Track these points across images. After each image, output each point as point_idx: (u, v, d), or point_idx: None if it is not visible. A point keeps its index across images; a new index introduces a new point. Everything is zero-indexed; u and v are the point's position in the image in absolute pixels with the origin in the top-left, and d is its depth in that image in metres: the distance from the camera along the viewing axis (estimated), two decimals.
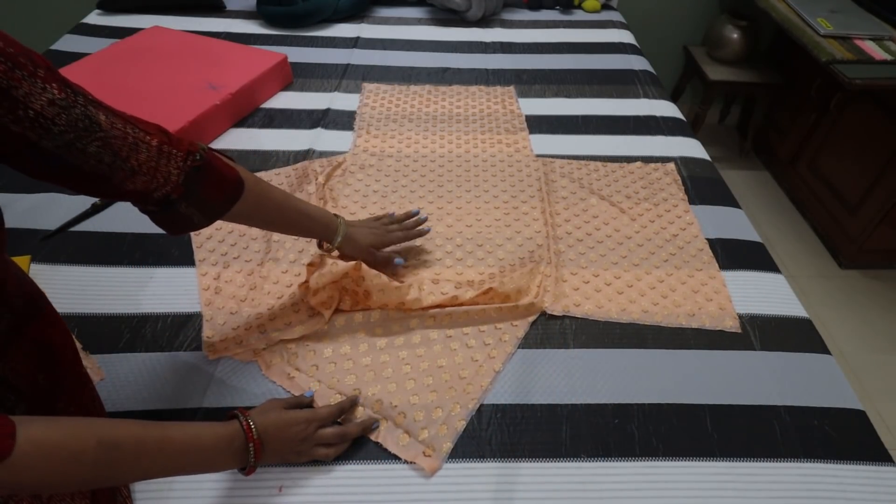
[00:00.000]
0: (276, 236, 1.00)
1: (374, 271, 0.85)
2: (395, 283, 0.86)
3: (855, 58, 1.64)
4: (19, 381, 0.56)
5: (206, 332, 0.84)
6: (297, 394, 0.77)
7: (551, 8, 2.01)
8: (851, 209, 1.90)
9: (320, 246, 0.90)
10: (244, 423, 0.61)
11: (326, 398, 0.76)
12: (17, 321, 0.57)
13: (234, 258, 0.96)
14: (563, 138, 1.32)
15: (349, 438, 0.70)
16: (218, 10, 1.83)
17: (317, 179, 1.12)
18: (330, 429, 0.69)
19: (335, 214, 0.86)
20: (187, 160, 0.61)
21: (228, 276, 0.93)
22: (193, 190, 0.63)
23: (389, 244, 0.93)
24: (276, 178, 1.14)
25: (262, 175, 1.14)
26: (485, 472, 0.70)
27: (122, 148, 0.56)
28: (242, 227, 1.02)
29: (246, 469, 0.62)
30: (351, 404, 0.74)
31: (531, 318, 0.88)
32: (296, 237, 1.00)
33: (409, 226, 0.96)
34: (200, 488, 0.67)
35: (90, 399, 0.67)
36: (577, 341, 0.86)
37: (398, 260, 0.92)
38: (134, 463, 0.51)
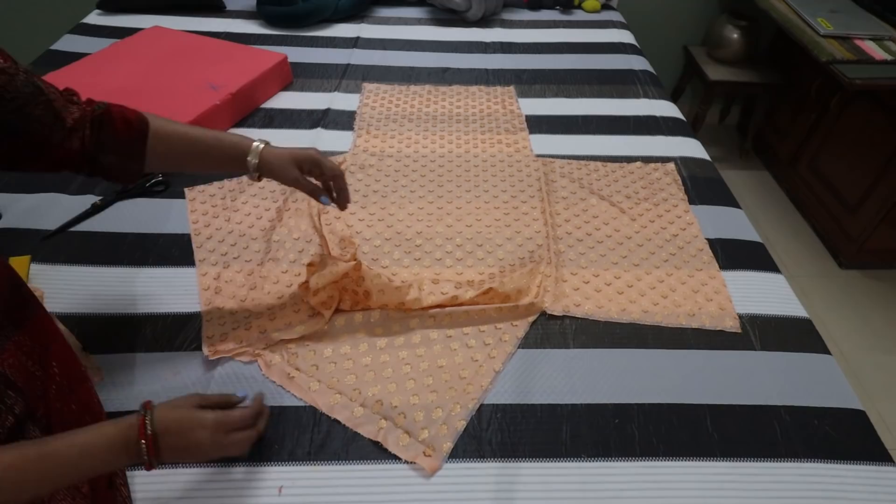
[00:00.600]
0: (275, 236, 1.00)
1: (374, 271, 0.85)
2: (396, 284, 0.86)
3: (855, 58, 1.64)
4: (17, 378, 0.56)
5: (206, 331, 0.84)
6: (297, 394, 0.77)
7: (551, 8, 2.01)
8: (851, 209, 1.90)
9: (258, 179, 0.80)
10: (139, 418, 0.57)
11: (327, 398, 0.76)
12: (14, 319, 0.58)
13: (234, 258, 0.96)
14: (563, 138, 1.32)
15: (254, 439, 0.66)
16: (218, 10, 1.83)
17: None
18: (239, 435, 0.63)
19: (261, 140, 0.77)
20: (92, 113, 0.66)
21: (228, 275, 0.93)
22: (102, 138, 0.66)
23: (313, 166, 0.80)
24: None
25: None
26: (485, 472, 0.70)
27: (60, 110, 0.61)
28: (243, 227, 1.02)
29: (145, 465, 0.57)
30: (259, 412, 0.68)
31: (531, 318, 0.88)
32: (295, 238, 1.00)
33: (334, 171, 0.81)
34: (200, 488, 0.67)
35: (88, 398, 0.67)
36: (578, 341, 0.86)
37: (324, 199, 0.81)
38: (19, 490, 0.49)
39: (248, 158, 0.75)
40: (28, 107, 0.56)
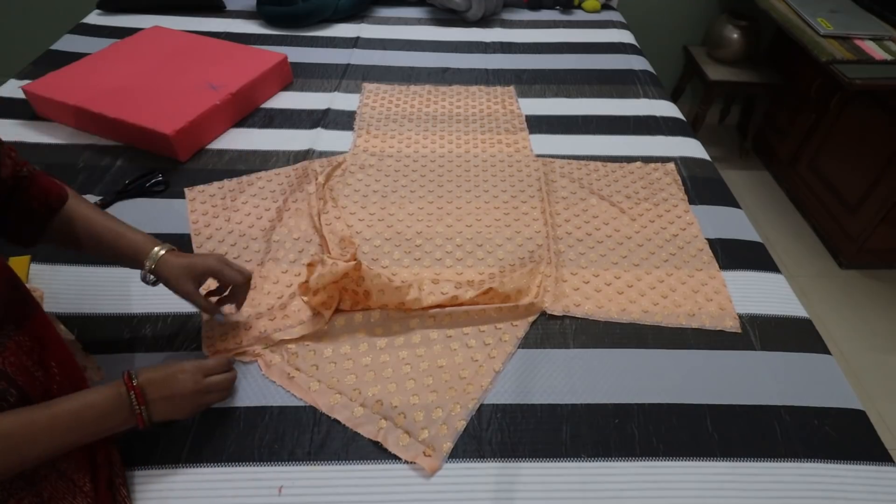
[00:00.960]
0: (275, 236, 1.00)
1: (374, 271, 0.85)
2: (396, 284, 0.86)
3: (855, 58, 1.64)
4: (19, 376, 0.57)
5: (206, 331, 0.84)
6: (297, 394, 0.77)
7: (551, 8, 2.01)
8: (851, 209, 1.90)
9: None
10: (124, 375, 0.63)
11: (327, 398, 0.76)
12: (14, 318, 0.58)
13: (234, 258, 0.96)
14: (563, 138, 1.32)
15: (233, 381, 0.74)
16: (218, 10, 1.83)
17: (317, 179, 1.12)
18: (218, 377, 0.71)
19: (166, 246, 0.75)
20: (20, 171, 0.67)
21: None
22: (14, 198, 0.67)
23: (214, 277, 0.78)
24: (277, 177, 1.14)
25: (262, 175, 1.14)
26: (485, 472, 0.70)
27: None
28: (243, 227, 1.02)
29: (137, 420, 0.62)
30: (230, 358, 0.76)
31: (531, 318, 0.88)
32: (295, 238, 1.00)
33: (237, 277, 0.79)
34: (200, 488, 0.67)
35: None
36: (578, 341, 0.86)
37: (218, 316, 0.81)
38: (31, 446, 0.54)
39: (146, 263, 0.73)
40: None
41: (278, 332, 0.83)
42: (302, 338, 0.83)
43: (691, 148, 1.31)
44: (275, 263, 0.96)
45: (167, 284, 0.75)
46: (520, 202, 1.12)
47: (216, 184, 1.11)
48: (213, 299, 0.80)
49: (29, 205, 0.69)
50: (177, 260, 0.74)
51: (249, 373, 0.79)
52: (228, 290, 0.80)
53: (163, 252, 0.74)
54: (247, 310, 0.87)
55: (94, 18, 1.75)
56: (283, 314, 0.87)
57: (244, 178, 1.13)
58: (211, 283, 0.80)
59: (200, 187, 1.10)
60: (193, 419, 0.73)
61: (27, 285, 0.67)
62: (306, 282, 0.84)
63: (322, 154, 1.22)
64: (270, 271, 0.94)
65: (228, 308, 0.82)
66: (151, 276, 0.74)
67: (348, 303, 0.87)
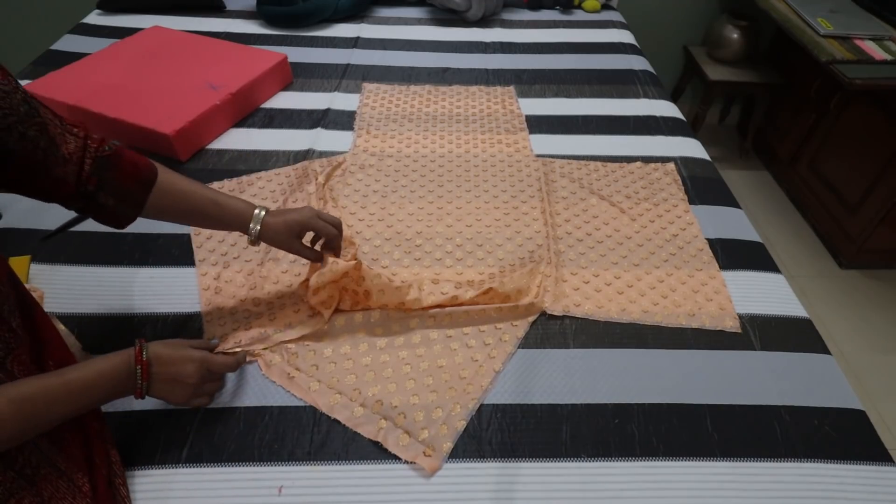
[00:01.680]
0: None
1: (374, 271, 0.85)
2: (396, 284, 0.86)
3: (855, 58, 1.64)
4: (14, 366, 0.57)
5: (207, 332, 0.84)
6: (297, 394, 0.77)
7: (551, 8, 2.01)
8: (851, 209, 1.90)
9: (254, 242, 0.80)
10: (137, 346, 0.64)
11: (327, 398, 0.76)
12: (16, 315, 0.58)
13: (234, 258, 0.96)
14: (563, 138, 1.32)
15: (221, 387, 0.77)
16: (218, 10, 1.83)
17: (317, 179, 1.12)
18: (211, 384, 0.73)
19: (261, 207, 0.78)
20: (97, 150, 0.65)
21: (228, 276, 0.93)
22: (105, 178, 0.65)
23: (312, 230, 0.82)
24: (277, 177, 1.14)
25: (262, 175, 1.14)
26: (485, 472, 0.70)
27: (56, 135, 0.60)
28: None
29: (136, 391, 0.64)
30: (240, 363, 0.77)
31: (531, 318, 0.88)
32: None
33: (334, 224, 0.83)
34: (200, 488, 0.67)
35: None
36: (578, 341, 0.86)
37: (323, 266, 0.82)
38: (48, 410, 0.55)
39: (251, 226, 0.76)
40: (22, 125, 0.56)
41: (278, 332, 0.83)
42: (302, 338, 0.83)
43: (691, 148, 1.31)
44: (275, 263, 0.96)
45: (272, 244, 0.79)
46: (520, 202, 1.12)
47: (216, 184, 1.11)
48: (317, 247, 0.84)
49: (122, 184, 0.67)
50: (276, 220, 0.78)
51: (249, 373, 0.79)
52: (323, 241, 0.83)
53: (263, 214, 0.77)
54: (246, 310, 0.87)
55: (94, 18, 1.75)
56: (283, 314, 0.87)
57: (244, 178, 1.13)
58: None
59: None
60: (193, 420, 0.73)
61: (27, 285, 0.68)
62: (306, 280, 0.84)
63: (322, 154, 1.22)
64: (270, 271, 0.94)
65: (329, 256, 0.83)
66: (257, 239, 0.77)
67: (348, 303, 0.87)
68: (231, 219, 0.76)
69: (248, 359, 0.81)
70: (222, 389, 0.77)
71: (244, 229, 0.77)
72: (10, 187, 0.61)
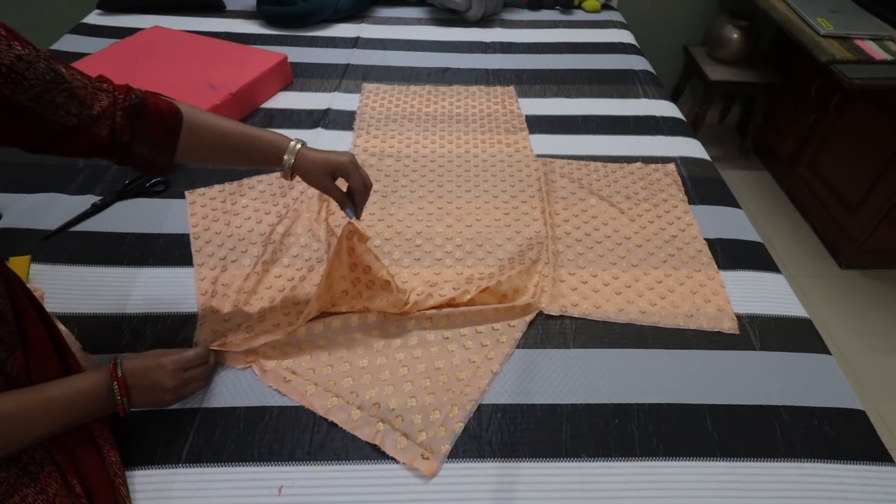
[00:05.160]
0: (273, 238, 1.00)
1: (376, 258, 0.84)
2: (398, 289, 0.85)
3: (855, 58, 1.64)
4: (14, 369, 0.57)
5: (200, 335, 0.83)
6: (293, 398, 0.76)
7: (551, 8, 2.01)
8: (851, 209, 1.90)
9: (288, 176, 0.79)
10: (111, 364, 0.66)
11: (323, 401, 0.76)
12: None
13: (233, 262, 0.96)
14: (563, 138, 1.32)
15: (211, 369, 0.77)
16: (218, 10, 1.83)
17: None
18: (196, 370, 0.73)
19: (297, 140, 0.77)
20: (125, 101, 0.64)
21: (226, 279, 0.92)
22: (137, 127, 0.65)
23: (344, 175, 0.79)
24: (278, 181, 1.14)
25: (262, 178, 1.14)
26: (485, 472, 0.70)
27: (85, 97, 0.60)
28: (242, 231, 1.02)
29: (119, 407, 0.65)
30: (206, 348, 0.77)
31: (528, 319, 0.88)
32: (302, 245, 1.00)
33: (365, 180, 0.80)
34: (200, 488, 0.67)
35: None
36: (577, 341, 0.86)
37: (349, 211, 0.80)
38: (27, 429, 0.56)
39: (285, 157, 0.75)
40: (49, 93, 0.56)
41: (267, 333, 0.82)
42: (298, 341, 0.83)
43: (691, 148, 1.31)
44: (273, 267, 0.95)
45: (305, 178, 0.77)
46: (520, 202, 1.12)
47: (216, 187, 1.11)
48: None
49: (151, 131, 0.66)
50: (313, 154, 0.76)
51: (249, 373, 0.79)
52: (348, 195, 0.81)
53: (299, 147, 0.75)
54: (244, 313, 0.87)
55: (94, 18, 1.75)
56: (273, 316, 0.86)
57: (244, 180, 1.13)
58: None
59: (201, 190, 1.10)
60: (193, 420, 0.73)
61: (27, 285, 0.67)
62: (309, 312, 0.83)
63: None
64: (269, 275, 0.94)
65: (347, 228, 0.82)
66: (289, 171, 0.75)
67: (348, 302, 0.86)
68: (266, 151, 0.75)
69: (242, 365, 0.80)
70: (210, 372, 0.77)
71: (279, 162, 0.75)
72: (52, 149, 0.61)
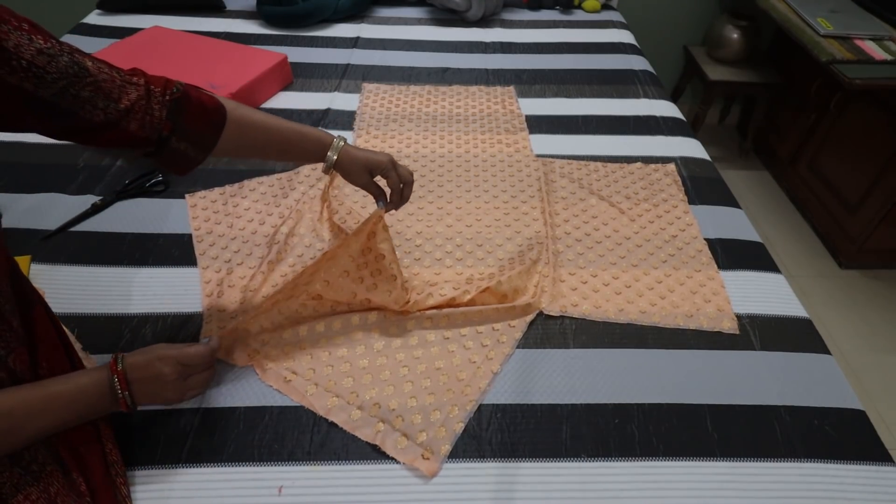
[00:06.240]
0: (277, 237, 1.00)
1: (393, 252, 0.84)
2: (402, 286, 0.85)
3: (855, 58, 1.64)
4: (16, 365, 0.57)
5: (205, 332, 0.84)
6: (294, 398, 0.76)
7: (551, 8, 2.01)
8: (851, 209, 1.90)
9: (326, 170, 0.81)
10: (112, 359, 0.64)
11: (324, 401, 0.76)
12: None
13: (238, 264, 0.95)
14: (563, 138, 1.32)
15: (211, 378, 0.75)
16: (218, 10, 1.84)
17: (320, 182, 1.12)
18: (199, 376, 0.71)
19: (340, 137, 0.79)
20: (166, 94, 0.63)
21: (231, 281, 0.92)
22: (179, 122, 0.64)
23: (384, 173, 0.82)
24: (278, 181, 1.14)
25: (263, 180, 1.14)
26: (485, 472, 0.70)
27: (112, 90, 0.59)
28: (246, 233, 1.02)
29: (120, 401, 0.63)
30: (214, 350, 0.74)
31: (528, 319, 0.88)
32: (306, 246, 1.00)
33: (404, 178, 0.83)
34: (200, 488, 0.67)
35: None
36: (577, 341, 0.86)
37: (380, 203, 0.83)
38: (28, 425, 0.55)
39: (329, 154, 0.77)
40: (74, 87, 0.55)
41: (265, 313, 0.82)
42: (299, 341, 0.83)
43: (691, 148, 1.31)
44: (277, 267, 0.95)
45: (345, 175, 0.81)
46: (520, 202, 1.12)
47: (217, 189, 1.11)
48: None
49: (193, 126, 0.66)
50: (355, 152, 0.79)
51: (249, 373, 0.79)
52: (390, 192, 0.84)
53: (342, 143, 0.78)
54: (248, 313, 0.87)
55: (94, 18, 1.75)
56: (276, 316, 0.86)
57: (245, 182, 1.13)
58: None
59: (202, 193, 1.10)
60: (193, 420, 0.73)
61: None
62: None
63: None
64: (273, 276, 0.94)
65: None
66: (330, 167, 0.78)
67: (342, 286, 0.85)
68: (310, 148, 0.77)
69: (242, 364, 0.80)
70: (212, 379, 0.76)
71: (322, 158, 0.78)
72: (81, 142, 0.61)
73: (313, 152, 0.78)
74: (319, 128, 1.27)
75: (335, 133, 0.80)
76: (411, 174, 0.83)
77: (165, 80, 0.65)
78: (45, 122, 0.56)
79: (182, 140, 0.65)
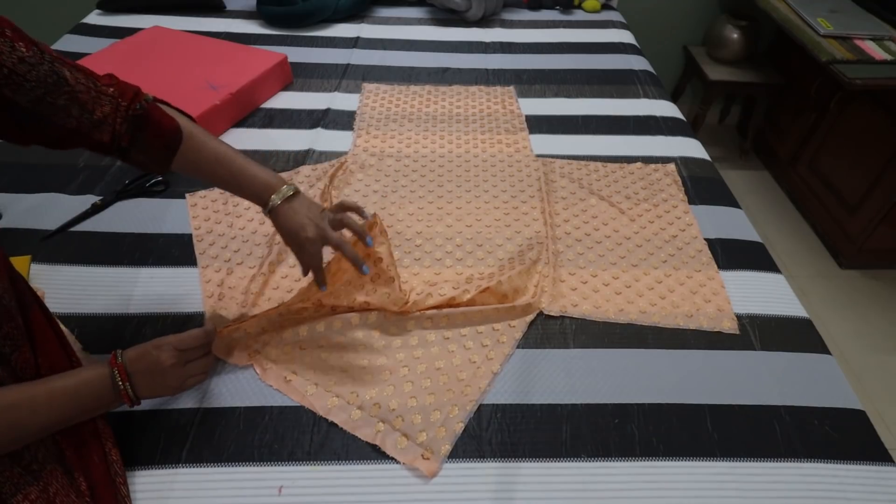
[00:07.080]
0: (278, 238, 1.00)
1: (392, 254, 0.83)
2: (401, 288, 0.85)
3: (855, 58, 1.64)
4: (19, 363, 0.57)
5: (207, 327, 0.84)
6: (294, 398, 0.76)
7: (551, 8, 2.01)
8: (851, 209, 1.90)
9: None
10: (112, 354, 0.64)
11: (324, 401, 0.76)
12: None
13: (238, 264, 0.95)
14: (563, 138, 1.32)
15: (211, 364, 0.73)
16: (218, 10, 1.83)
17: (320, 182, 1.12)
18: (198, 361, 0.69)
19: (290, 184, 0.73)
20: (129, 110, 0.65)
21: (232, 282, 0.92)
22: (137, 137, 0.66)
23: (324, 239, 0.75)
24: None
25: None
26: (485, 472, 0.70)
27: (87, 101, 0.61)
28: (246, 233, 1.02)
29: (123, 395, 0.63)
30: (209, 333, 0.71)
31: (528, 319, 0.88)
32: None
33: (349, 226, 0.76)
34: (200, 488, 0.67)
35: None
36: (577, 341, 0.86)
37: (365, 269, 0.76)
38: (32, 419, 0.55)
39: (273, 197, 0.72)
40: (51, 96, 0.57)
41: (265, 332, 0.82)
42: (299, 342, 0.83)
43: (691, 148, 1.31)
44: (278, 267, 0.95)
45: (277, 230, 0.75)
46: (520, 202, 1.12)
47: (218, 189, 1.11)
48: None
49: (150, 144, 0.67)
50: (290, 215, 0.72)
51: (249, 373, 0.79)
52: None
53: (279, 202, 0.72)
54: (247, 314, 0.87)
55: (94, 18, 1.75)
56: (276, 317, 0.86)
57: None
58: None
59: (202, 192, 1.10)
60: (193, 420, 0.73)
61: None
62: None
63: (322, 154, 1.22)
64: (274, 276, 0.94)
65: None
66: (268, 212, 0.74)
67: (344, 294, 0.85)
68: (259, 189, 0.72)
69: (242, 363, 0.80)
70: (212, 365, 0.74)
71: (263, 206, 0.73)
72: (58, 146, 0.63)
73: (258, 195, 0.72)
74: (318, 127, 1.29)
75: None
76: (336, 237, 0.74)
77: (135, 92, 0.67)
78: (19, 128, 0.58)
79: (140, 153, 0.68)
